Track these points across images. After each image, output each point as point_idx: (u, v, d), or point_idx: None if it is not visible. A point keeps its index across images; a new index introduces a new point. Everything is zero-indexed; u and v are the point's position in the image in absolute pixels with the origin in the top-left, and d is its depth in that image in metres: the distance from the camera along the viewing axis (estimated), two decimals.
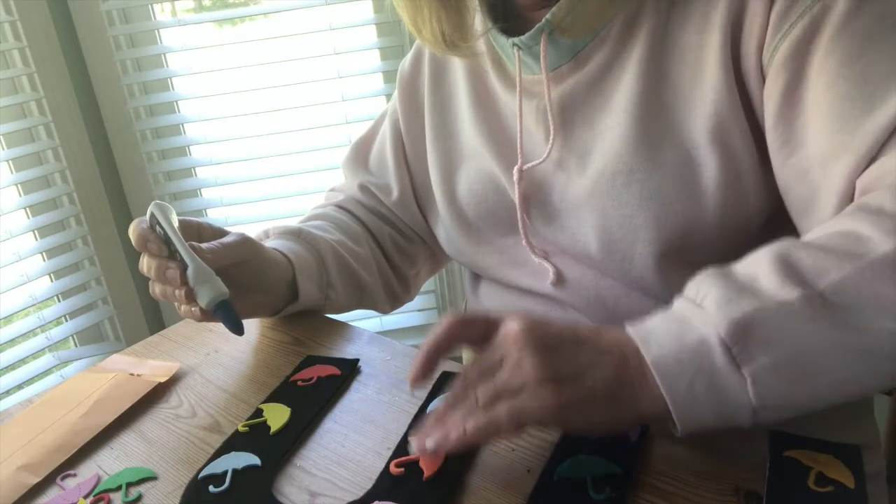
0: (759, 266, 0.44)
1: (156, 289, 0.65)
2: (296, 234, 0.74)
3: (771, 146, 0.55)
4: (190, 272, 0.62)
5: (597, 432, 0.47)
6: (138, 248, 0.63)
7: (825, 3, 0.50)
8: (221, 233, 0.68)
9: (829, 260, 0.43)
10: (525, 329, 0.45)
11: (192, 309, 0.64)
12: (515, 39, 0.61)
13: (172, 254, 0.63)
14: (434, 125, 0.75)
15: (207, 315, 0.64)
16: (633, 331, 0.45)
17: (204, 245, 0.64)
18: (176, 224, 0.64)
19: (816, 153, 0.51)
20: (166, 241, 0.63)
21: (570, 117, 0.63)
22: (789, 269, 0.43)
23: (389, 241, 0.83)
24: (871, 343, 0.41)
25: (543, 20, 0.59)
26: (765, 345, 0.41)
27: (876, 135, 0.48)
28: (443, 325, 0.50)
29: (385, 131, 0.82)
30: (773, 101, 0.53)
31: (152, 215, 0.64)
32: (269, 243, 0.72)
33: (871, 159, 0.49)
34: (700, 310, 0.43)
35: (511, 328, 0.46)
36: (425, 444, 0.46)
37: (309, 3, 1.38)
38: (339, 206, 0.83)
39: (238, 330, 0.64)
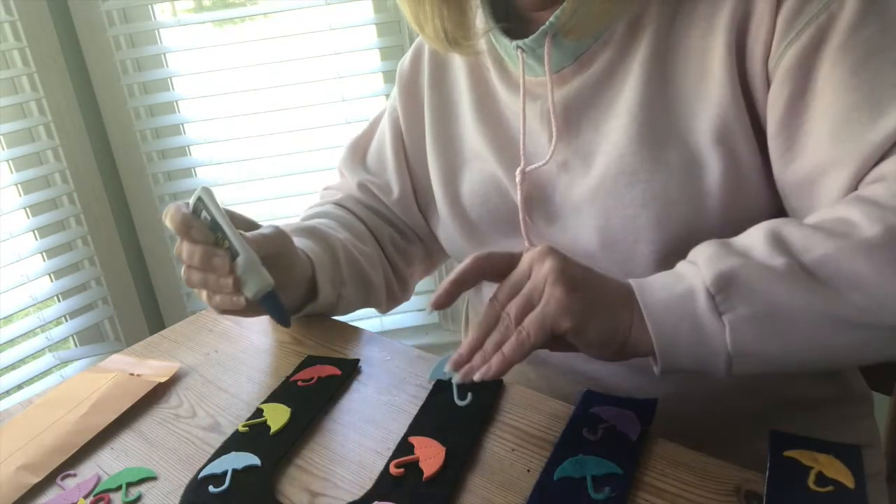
0: (752, 237, 0.49)
1: (194, 277, 0.62)
2: (310, 232, 0.73)
3: (773, 152, 0.55)
4: (240, 261, 0.60)
5: (595, 348, 0.50)
6: (180, 234, 0.61)
7: (831, 12, 0.51)
8: (255, 224, 0.67)
9: (817, 238, 0.47)
10: (545, 248, 0.51)
11: (235, 299, 0.61)
12: (519, 42, 0.61)
13: (218, 241, 0.61)
14: (435, 125, 0.75)
15: (250, 306, 0.62)
16: (634, 281, 0.50)
17: (248, 234, 0.62)
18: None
19: (819, 161, 0.52)
20: (212, 227, 0.61)
21: (573, 119, 0.63)
22: (779, 242, 0.47)
23: (389, 241, 0.82)
24: (840, 311, 0.45)
25: (547, 23, 0.58)
26: (745, 297, 0.46)
27: (879, 144, 0.49)
28: (469, 259, 0.53)
29: (384, 130, 0.81)
30: (777, 108, 0.54)
31: (199, 199, 0.61)
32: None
33: (873, 166, 0.49)
34: (692, 266, 0.49)
35: (532, 252, 0.51)
36: (472, 376, 0.50)
37: (309, 3, 1.38)
38: (339, 205, 0.82)
39: (285, 321, 0.63)
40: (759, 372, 0.48)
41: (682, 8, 0.57)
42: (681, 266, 0.50)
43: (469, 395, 0.56)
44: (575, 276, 0.49)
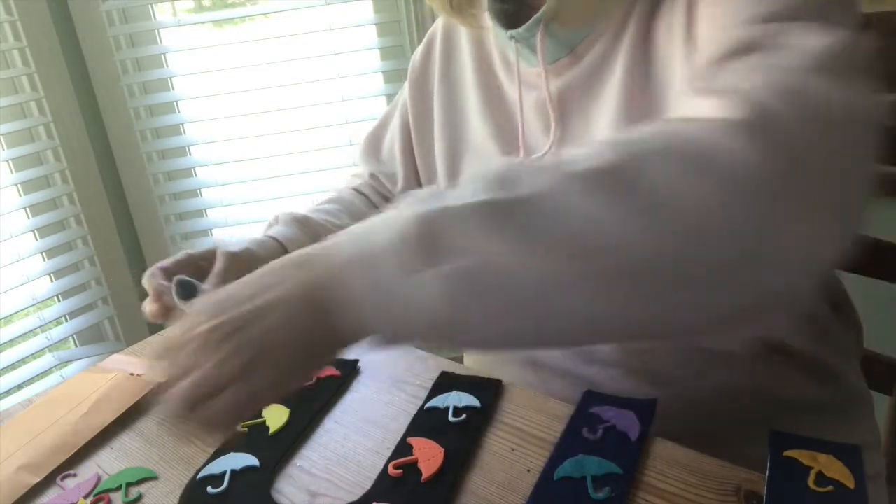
0: (473, 178, 0.40)
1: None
2: (300, 222, 0.74)
3: None
4: None
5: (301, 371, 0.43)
6: (157, 320, 0.59)
7: None
8: (211, 254, 0.64)
9: (542, 171, 0.38)
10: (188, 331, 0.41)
11: None
12: (513, 32, 0.62)
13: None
14: (443, 116, 0.75)
15: None
16: (331, 241, 0.42)
17: (205, 287, 0.59)
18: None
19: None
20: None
21: (568, 110, 0.63)
22: (496, 179, 0.39)
23: None
24: (546, 268, 0.36)
25: (540, 11, 0.59)
26: (445, 250, 0.37)
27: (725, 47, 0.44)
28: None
29: (395, 122, 0.83)
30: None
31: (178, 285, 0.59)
32: (273, 230, 0.72)
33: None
34: (393, 214, 0.40)
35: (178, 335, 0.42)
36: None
37: (309, 3, 1.38)
38: (357, 190, 0.84)
39: None
40: (481, 339, 0.39)
41: None
42: (388, 213, 0.40)
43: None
44: (227, 331, 0.40)
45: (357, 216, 0.79)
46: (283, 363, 0.40)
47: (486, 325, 0.37)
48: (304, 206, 0.80)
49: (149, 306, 0.59)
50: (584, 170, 0.37)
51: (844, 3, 0.45)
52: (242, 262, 0.64)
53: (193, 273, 0.61)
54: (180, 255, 0.64)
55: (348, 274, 0.39)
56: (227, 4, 1.73)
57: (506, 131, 0.69)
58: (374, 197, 0.84)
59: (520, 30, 0.61)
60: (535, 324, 0.37)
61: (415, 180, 0.81)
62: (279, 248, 0.69)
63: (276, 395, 0.41)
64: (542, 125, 0.65)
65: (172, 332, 0.42)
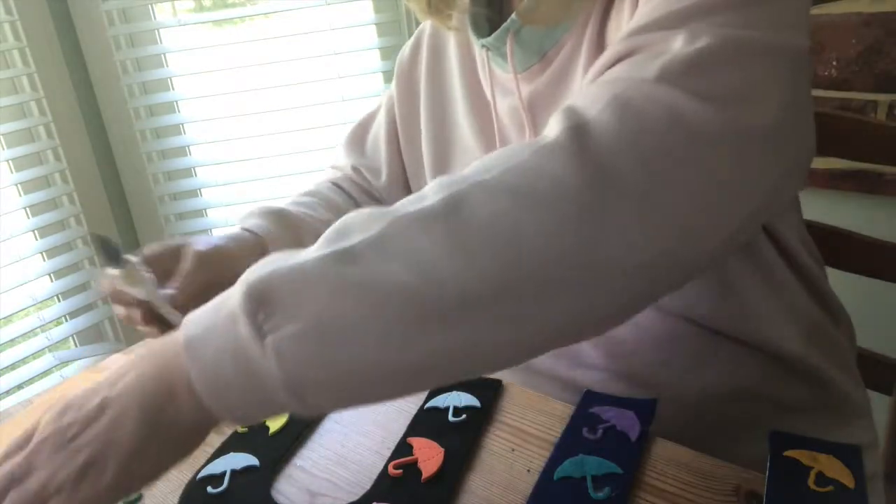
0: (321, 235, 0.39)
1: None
2: (277, 215, 0.70)
3: None
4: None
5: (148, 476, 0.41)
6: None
7: None
8: (177, 252, 0.61)
9: (376, 218, 0.38)
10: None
11: None
12: (483, 40, 0.62)
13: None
14: (430, 114, 0.75)
15: None
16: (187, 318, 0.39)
17: (170, 292, 0.57)
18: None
19: None
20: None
21: (540, 114, 0.63)
22: (335, 232, 0.38)
23: None
24: (368, 314, 0.35)
25: (508, 20, 0.59)
26: (283, 309, 0.35)
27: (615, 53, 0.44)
28: None
29: (381, 117, 0.82)
30: None
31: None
32: (248, 223, 0.68)
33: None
34: (239, 280, 0.38)
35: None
36: None
37: (309, 3, 1.38)
38: (336, 184, 0.83)
39: None
40: (340, 396, 0.37)
41: None
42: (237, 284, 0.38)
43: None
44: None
45: (335, 210, 0.78)
46: (125, 461, 0.38)
47: (328, 384, 0.36)
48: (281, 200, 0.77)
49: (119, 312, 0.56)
50: (412, 212, 0.37)
51: (769, 4, 0.43)
52: (212, 260, 0.60)
53: (161, 273, 0.57)
54: (151, 248, 0.60)
55: (184, 357, 0.37)
56: (227, 4, 1.73)
57: (489, 134, 0.69)
58: (353, 192, 0.83)
59: (489, 38, 0.61)
60: (373, 373, 0.36)
61: (400, 175, 0.81)
62: (256, 240, 0.66)
63: (121, 495, 0.39)
64: (518, 130, 0.65)
65: (13, 436, 0.40)
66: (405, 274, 0.35)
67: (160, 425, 0.38)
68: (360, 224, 0.38)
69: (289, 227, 0.69)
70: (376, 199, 0.83)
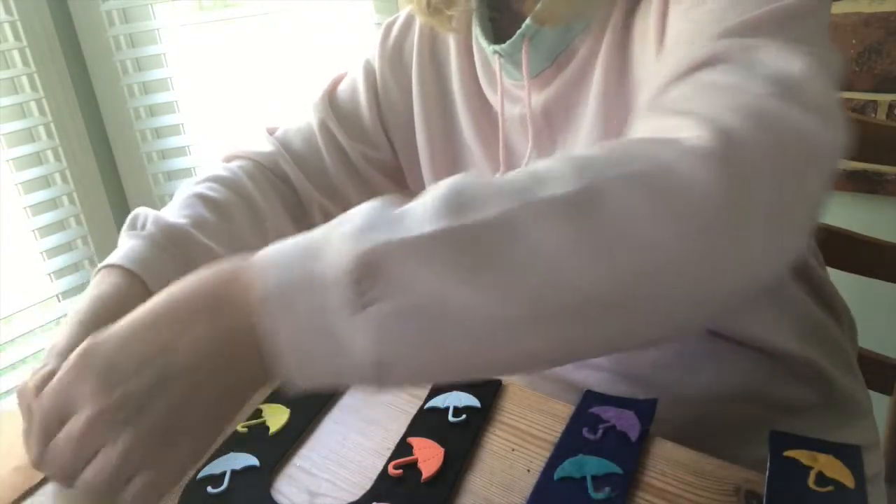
0: (428, 195, 0.36)
1: None
2: (175, 244, 0.61)
3: None
4: None
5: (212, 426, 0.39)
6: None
7: None
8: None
9: (502, 193, 0.35)
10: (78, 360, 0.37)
11: None
12: (497, 47, 0.60)
13: None
14: (424, 104, 0.72)
15: None
16: (250, 263, 0.37)
17: None
18: None
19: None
20: None
21: (552, 121, 0.62)
22: (453, 200, 0.35)
23: (318, 212, 0.75)
24: (498, 306, 0.33)
25: (524, 26, 0.57)
26: (391, 284, 0.33)
27: (679, 65, 0.43)
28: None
29: (360, 85, 0.75)
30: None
31: None
32: (134, 263, 0.62)
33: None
34: (335, 237, 0.36)
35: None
36: None
37: (309, 3, 1.38)
38: (266, 179, 0.74)
39: None
40: (422, 380, 0.38)
41: None
42: (320, 235, 0.36)
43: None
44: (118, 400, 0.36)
45: (262, 230, 0.68)
46: (197, 433, 0.37)
47: (419, 365, 0.35)
48: (184, 203, 0.65)
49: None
50: (546, 198, 0.34)
51: (812, 18, 0.43)
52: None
53: None
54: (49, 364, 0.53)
55: (268, 314, 0.35)
56: (227, 4, 1.73)
57: (489, 137, 0.67)
58: (277, 184, 0.73)
59: (504, 46, 0.59)
60: (470, 360, 0.35)
61: (383, 134, 0.75)
62: (138, 293, 0.57)
63: (197, 461, 0.39)
64: (524, 136, 0.63)
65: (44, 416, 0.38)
66: (531, 268, 0.33)
67: (228, 388, 0.37)
68: (481, 197, 0.35)
69: (187, 264, 0.55)
70: (323, 180, 0.75)
